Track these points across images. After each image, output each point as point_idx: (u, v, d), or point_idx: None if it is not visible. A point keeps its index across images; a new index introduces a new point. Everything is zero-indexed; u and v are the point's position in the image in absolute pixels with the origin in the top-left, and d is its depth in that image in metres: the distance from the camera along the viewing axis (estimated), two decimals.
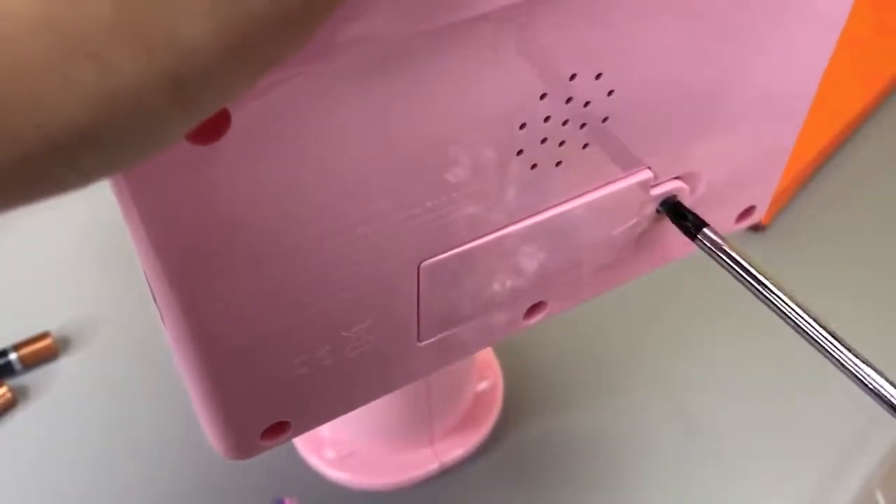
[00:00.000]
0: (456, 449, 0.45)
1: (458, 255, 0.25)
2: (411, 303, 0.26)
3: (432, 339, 0.27)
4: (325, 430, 0.46)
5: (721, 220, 0.32)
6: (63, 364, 0.50)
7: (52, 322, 0.51)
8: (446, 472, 0.46)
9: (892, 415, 0.24)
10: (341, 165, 0.21)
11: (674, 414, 0.48)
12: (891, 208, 0.60)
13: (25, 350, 0.49)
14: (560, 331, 0.50)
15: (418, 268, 0.25)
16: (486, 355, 0.49)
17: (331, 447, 0.45)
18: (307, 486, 0.45)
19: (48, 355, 0.50)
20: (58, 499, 0.45)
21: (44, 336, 0.50)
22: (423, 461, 0.45)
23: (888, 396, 0.24)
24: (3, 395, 0.47)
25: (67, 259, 0.55)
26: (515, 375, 0.49)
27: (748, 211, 0.33)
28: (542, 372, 0.50)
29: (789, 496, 0.44)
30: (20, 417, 0.48)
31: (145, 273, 0.22)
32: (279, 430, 0.27)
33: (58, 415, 0.48)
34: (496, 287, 0.27)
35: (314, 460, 0.45)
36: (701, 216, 0.28)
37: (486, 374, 0.48)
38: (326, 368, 0.26)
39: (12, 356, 0.49)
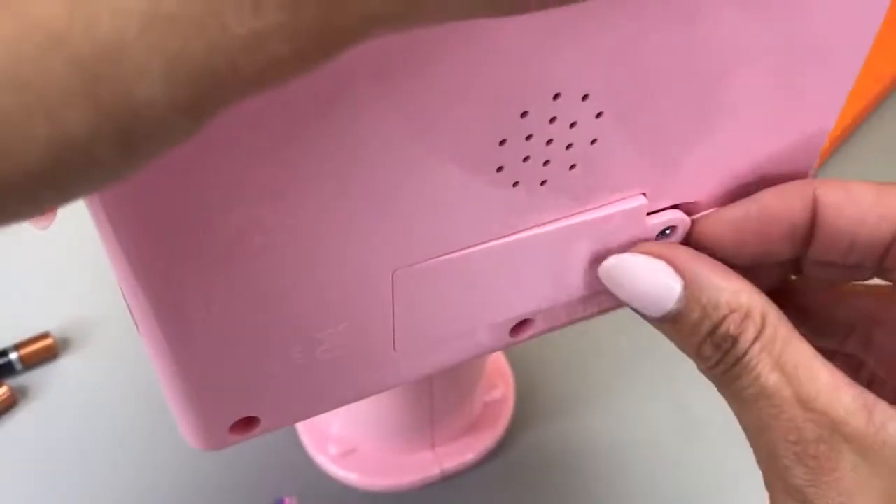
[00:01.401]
0: (459, 456, 0.45)
1: (432, 266, 0.25)
2: (386, 310, 0.25)
3: (409, 349, 0.27)
4: (332, 425, 0.46)
5: None
6: (63, 364, 0.50)
7: (52, 322, 0.52)
8: (447, 479, 0.45)
9: None
10: (310, 173, 0.20)
11: (685, 427, 0.48)
12: None
13: (25, 350, 0.49)
14: (576, 338, 0.50)
15: (392, 275, 0.24)
16: (500, 364, 0.49)
17: (334, 443, 0.45)
18: (309, 483, 0.45)
19: (48, 355, 0.50)
20: (58, 498, 0.45)
21: (44, 336, 0.50)
22: (423, 465, 0.45)
23: None
24: (3, 394, 0.48)
25: (67, 259, 0.55)
26: (528, 384, 0.49)
27: None
28: (556, 381, 0.49)
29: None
30: (20, 417, 0.48)
31: (113, 266, 0.22)
32: (248, 424, 0.27)
33: (58, 415, 0.48)
34: (475, 301, 0.27)
35: (318, 456, 0.45)
36: None
37: (497, 383, 0.48)
38: (297, 368, 0.25)
39: (12, 356, 0.49)
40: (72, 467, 0.46)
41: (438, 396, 0.40)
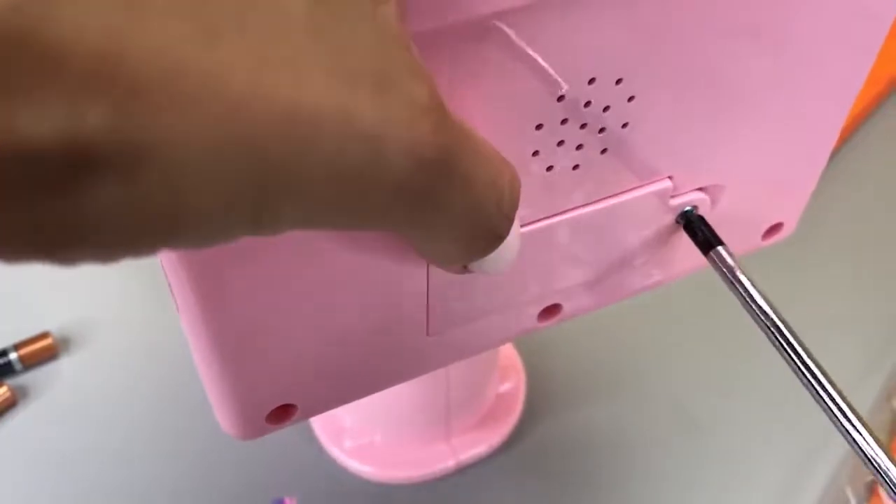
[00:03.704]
0: (473, 447, 0.45)
1: None
2: (421, 296, 0.25)
3: (441, 334, 0.27)
4: (348, 419, 0.46)
5: (746, 236, 0.32)
6: (63, 364, 0.50)
7: (52, 322, 0.51)
8: (462, 470, 0.46)
9: (867, 466, 0.24)
10: None
11: (687, 416, 0.48)
12: (891, 208, 0.60)
13: (25, 350, 0.49)
14: (584, 333, 0.51)
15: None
16: (511, 357, 0.49)
17: (349, 437, 0.45)
18: (322, 477, 0.45)
19: (48, 355, 0.50)
20: (58, 498, 0.44)
21: (44, 336, 0.50)
22: (439, 457, 0.45)
23: (861, 444, 0.24)
24: (3, 394, 0.47)
25: None
26: (538, 378, 0.49)
27: (776, 227, 0.32)
28: (565, 375, 0.50)
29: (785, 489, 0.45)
30: (20, 417, 0.47)
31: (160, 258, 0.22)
32: (285, 412, 0.27)
33: (58, 415, 0.48)
34: (507, 286, 0.27)
35: (332, 450, 0.45)
36: (725, 230, 0.28)
37: (509, 375, 0.48)
38: (334, 355, 0.26)
39: (12, 356, 0.49)
40: (72, 467, 0.46)
41: (455, 388, 0.41)
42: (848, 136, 0.63)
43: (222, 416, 0.26)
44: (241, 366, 0.24)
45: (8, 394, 0.47)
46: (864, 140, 0.64)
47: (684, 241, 0.29)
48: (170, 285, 0.23)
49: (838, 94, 0.28)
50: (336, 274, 0.23)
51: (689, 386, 0.49)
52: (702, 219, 0.28)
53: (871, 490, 0.46)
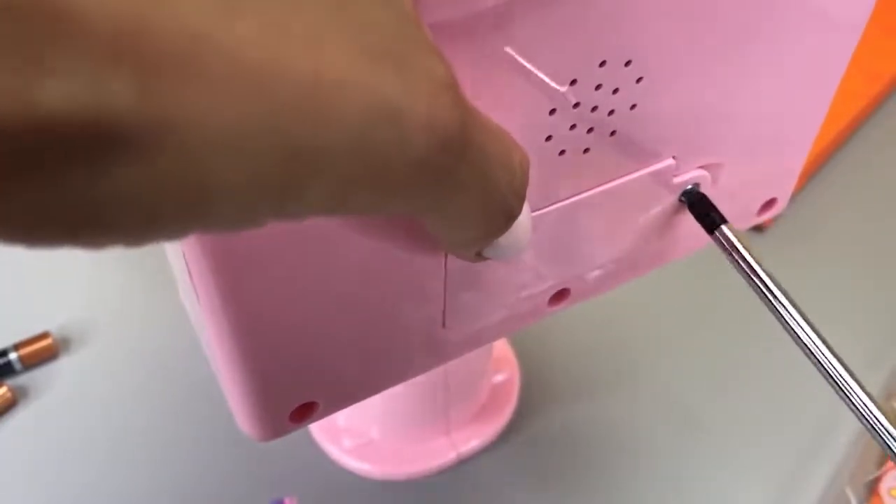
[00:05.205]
0: (473, 439, 0.46)
1: None
2: (438, 288, 0.26)
3: (456, 325, 0.28)
4: (342, 418, 0.46)
5: (743, 211, 0.32)
6: (63, 364, 0.50)
7: (52, 322, 0.51)
8: (463, 462, 0.46)
9: (878, 441, 0.24)
10: None
11: (683, 409, 0.48)
12: (892, 208, 0.60)
13: (25, 350, 0.49)
14: (576, 324, 0.51)
15: (446, 252, 0.25)
16: (503, 349, 0.49)
17: (347, 436, 0.45)
18: (322, 477, 0.45)
19: (48, 355, 0.50)
20: (58, 499, 0.44)
21: (44, 336, 0.50)
22: (440, 451, 0.45)
23: (875, 422, 0.24)
24: (3, 395, 0.47)
25: (67, 259, 0.55)
26: (531, 368, 0.50)
27: (770, 203, 0.33)
28: (558, 365, 0.50)
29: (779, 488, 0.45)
30: (20, 417, 0.47)
31: (183, 254, 0.22)
32: (307, 410, 0.27)
33: (58, 415, 0.48)
34: (521, 273, 0.27)
35: (331, 450, 0.45)
36: (723, 206, 0.28)
37: (502, 366, 0.49)
38: (355, 349, 0.26)
39: (12, 356, 0.49)
40: (72, 467, 0.46)
41: (452, 382, 0.41)
42: (850, 134, 0.64)
43: (244, 418, 0.26)
44: (266, 363, 0.24)
45: (8, 394, 0.47)
46: (865, 139, 0.64)
47: (687, 220, 0.29)
48: (193, 284, 0.23)
49: (824, 78, 0.29)
50: (357, 267, 0.24)
51: (687, 380, 0.50)
52: (704, 197, 0.28)
53: (871, 490, 0.46)
